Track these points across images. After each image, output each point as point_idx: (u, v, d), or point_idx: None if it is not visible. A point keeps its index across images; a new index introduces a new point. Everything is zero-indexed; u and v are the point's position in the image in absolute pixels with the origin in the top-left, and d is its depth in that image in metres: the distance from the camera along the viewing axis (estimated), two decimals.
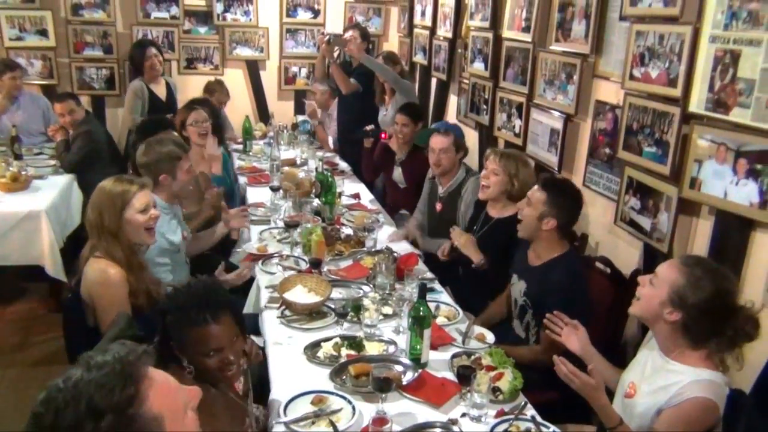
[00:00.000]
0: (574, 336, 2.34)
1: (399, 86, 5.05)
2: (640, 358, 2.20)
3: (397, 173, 4.61)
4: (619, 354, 2.88)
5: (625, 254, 3.16)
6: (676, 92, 2.68)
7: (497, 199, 3.28)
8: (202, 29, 6.60)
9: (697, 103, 2.58)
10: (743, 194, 2.36)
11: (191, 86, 6.28)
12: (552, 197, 2.72)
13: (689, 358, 1.99)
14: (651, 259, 2.89)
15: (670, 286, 1.98)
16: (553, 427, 2.06)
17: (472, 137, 4.94)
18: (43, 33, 6.09)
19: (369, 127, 4.75)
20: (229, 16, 6.58)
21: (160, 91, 5.65)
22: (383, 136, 4.57)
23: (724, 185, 2.44)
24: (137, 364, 1.14)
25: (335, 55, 5.46)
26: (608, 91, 3.28)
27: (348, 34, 5.24)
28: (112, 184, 2.57)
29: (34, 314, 4.34)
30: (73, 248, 4.40)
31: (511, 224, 3.03)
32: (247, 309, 3.13)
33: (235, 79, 6.76)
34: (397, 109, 4.59)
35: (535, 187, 2.81)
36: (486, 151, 3.53)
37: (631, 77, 2.97)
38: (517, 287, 2.88)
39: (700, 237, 2.66)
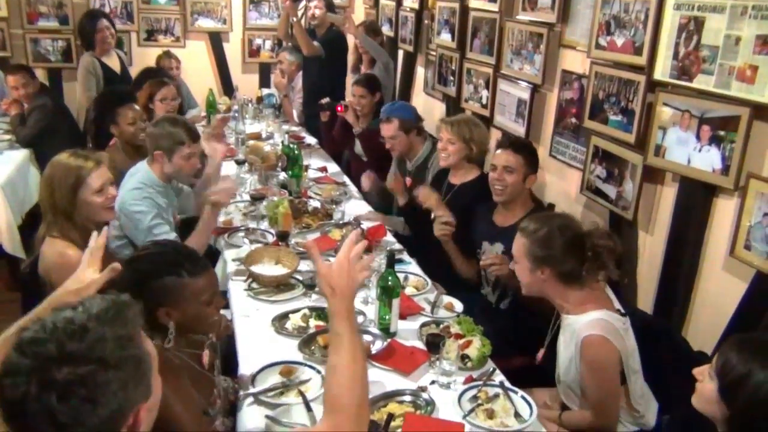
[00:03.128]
0: None
1: (387, 67, 5.05)
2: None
3: (358, 146, 4.57)
4: None
5: (592, 223, 3.19)
6: (642, 60, 2.69)
7: (458, 166, 3.29)
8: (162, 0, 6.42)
9: (662, 71, 2.59)
10: (706, 160, 2.39)
11: (152, 59, 6.08)
12: (527, 157, 2.85)
13: (578, 306, 2.09)
14: (617, 227, 2.92)
15: (524, 254, 2.13)
16: (521, 392, 2.07)
17: (439, 109, 4.93)
18: None
19: (324, 101, 4.70)
20: None
21: (114, 64, 5.35)
22: (339, 108, 4.51)
23: (688, 152, 2.47)
24: (131, 307, 1.15)
25: (299, 14, 5.33)
26: (574, 61, 3.28)
27: (312, 4, 5.15)
28: (66, 158, 2.42)
29: None
30: (31, 225, 4.29)
31: (474, 187, 3.05)
32: None
33: (198, 52, 6.61)
34: (354, 80, 4.53)
35: (509, 156, 2.83)
36: (437, 123, 3.55)
37: (597, 46, 2.97)
38: (492, 251, 2.88)
39: (665, 204, 2.70)
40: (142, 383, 1.11)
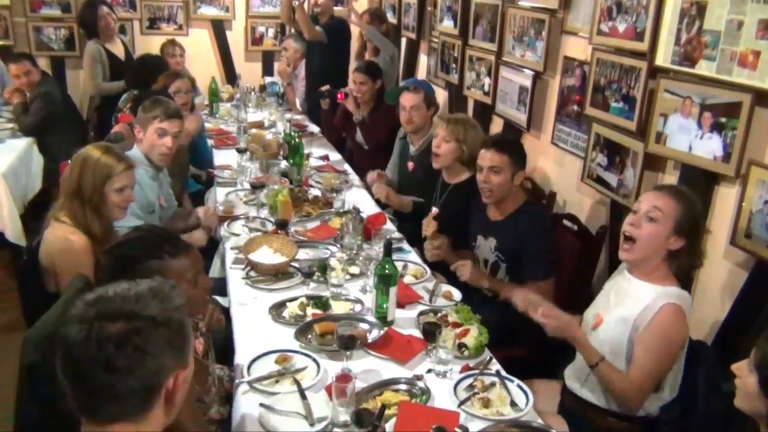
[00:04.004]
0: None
1: (392, 58, 5.06)
2: (603, 291, 2.26)
3: (359, 134, 4.55)
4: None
5: (592, 211, 3.17)
6: (643, 46, 2.66)
7: (450, 166, 3.26)
8: None
9: (663, 57, 2.56)
10: (708, 148, 2.36)
11: (155, 48, 6.06)
12: (513, 155, 2.75)
13: (662, 278, 2.05)
14: (618, 216, 2.90)
15: (674, 219, 2.01)
16: (517, 381, 2.06)
17: (441, 97, 4.89)
18: None
19: (324, 88, 4.68)
20: None
21: (118, 51, 5.36)
22: (339, 96, 4.48)
23: (689, 139, 2.44)
24: (174, 289, 1.26)
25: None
26: (576, 47, 3.25)
27: None
28: (101, 153, 2.47)
29: None
30: (34, 214, 4.30)
31: (466, 188, 3.02)
32: (212, 273, 3.08)
33: (201, 40, 6.59)
34: (354, 67, 4.50)
35: (494, 155, 2.75)
36: (434, 119, 3.50)
37: (599, 32, 2.94)
38: (486, 245, 2.87)
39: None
40: (184, 349, 1.22)
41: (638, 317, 2.01)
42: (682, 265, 2.07)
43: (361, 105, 4.41)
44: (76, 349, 1.12)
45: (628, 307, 2.06)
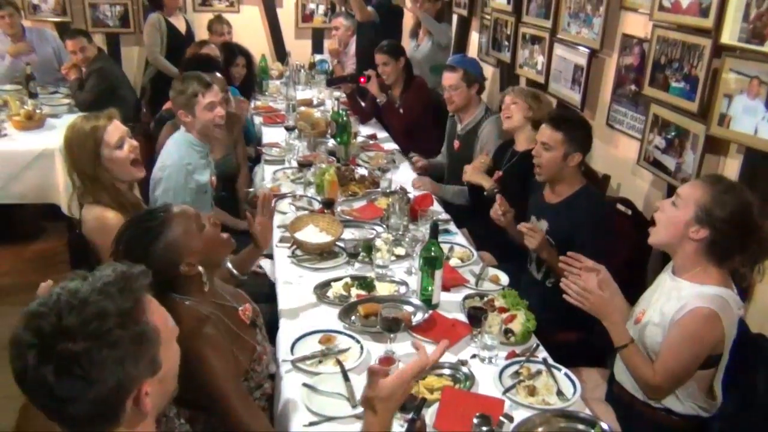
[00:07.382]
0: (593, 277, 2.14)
1: (448, 48, 5.07)
2: (651, 287, 2.16)
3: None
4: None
5: (648, 195, 3.06)
6: (708, 23, 2.52)
7: (522, 129, 3.21)
8: None
9: (730, 34, 2.42)
10: None
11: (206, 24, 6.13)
12: (569, 133, 2.61)
13: (701, 276, 1.94)
14: None
15: (695, 204, 1.90)
16: (564, 369, 2.01)
17: (492, 76, 4.78)
18: None
19: (347, 73, 4.64)
20: None
21: (180, 25, 5.55)
22: (362, 80, 4.41)
23: (755, 121, 2.31)
24: (139, 279, 1.15)
25: None
26: (636, 24, 3.11)
27: None
28: (80, 122, 2.41)
29: (53, 252, 4.37)
30: None
31: (531, 157, 2.96)
32: None
33: (251, 17, 6.61)
34: (376, 48, 4.39)
35: (548, 130, 2.65)
36: (499, 97, 3.47)
37: (661, 8, 2.80)
38: (538, 227, 2.80)
39: (728, 176, 2.54)
40: (144, 359, 1.11)
41: (674, 317, 1.92)
42: (732, 265, 1.93)
43: (392, 87, 4.35)
44: (17, 375, 1.06)
45: (667, 308, 1.97)
